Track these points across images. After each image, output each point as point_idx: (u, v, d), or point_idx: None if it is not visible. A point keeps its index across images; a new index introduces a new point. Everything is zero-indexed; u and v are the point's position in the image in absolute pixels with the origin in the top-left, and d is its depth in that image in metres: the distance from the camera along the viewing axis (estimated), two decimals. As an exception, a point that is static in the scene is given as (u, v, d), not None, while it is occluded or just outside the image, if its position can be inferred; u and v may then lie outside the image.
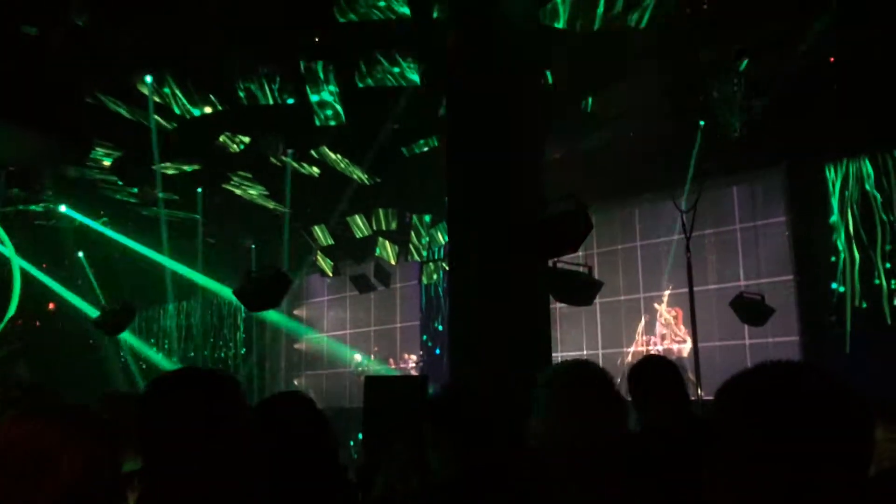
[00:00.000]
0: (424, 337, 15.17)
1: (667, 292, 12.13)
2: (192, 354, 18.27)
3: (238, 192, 13.42)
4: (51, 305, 17.57)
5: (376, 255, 14.72)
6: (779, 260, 10.81)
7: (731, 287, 10.79)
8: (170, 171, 12.21)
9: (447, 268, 12.22)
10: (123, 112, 10.09)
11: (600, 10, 7.97)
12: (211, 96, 9.73)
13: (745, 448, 1.25)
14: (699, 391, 9.10)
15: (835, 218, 10.04)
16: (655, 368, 3.65)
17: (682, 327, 12.07)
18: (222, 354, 18.15)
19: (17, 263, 14.71)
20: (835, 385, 1.28)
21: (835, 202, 10.03)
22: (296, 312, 17.96)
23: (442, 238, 13.71)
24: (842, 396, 1.26)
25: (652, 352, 12.31)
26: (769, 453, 1.22)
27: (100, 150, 11.10)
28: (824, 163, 10.10)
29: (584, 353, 12.93)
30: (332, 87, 9.61)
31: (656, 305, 12.35)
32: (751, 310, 9.51)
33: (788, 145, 9.95)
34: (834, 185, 10.07)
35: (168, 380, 1.85)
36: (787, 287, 10.59)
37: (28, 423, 1.66)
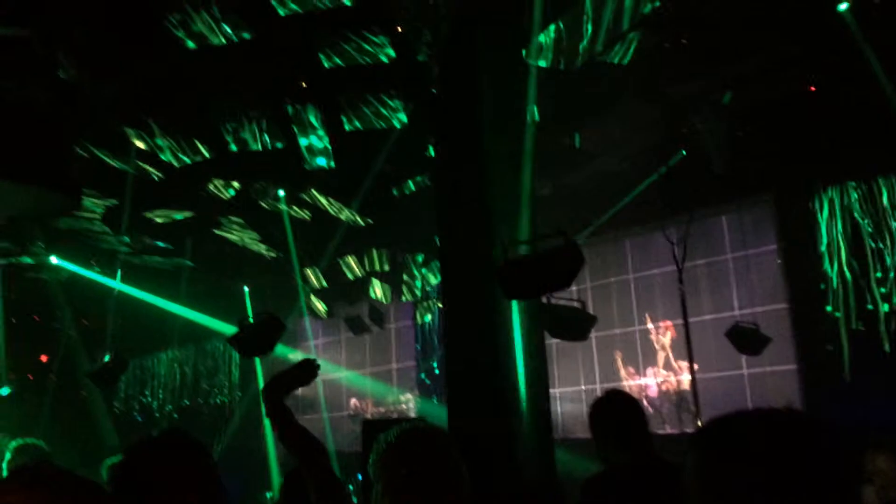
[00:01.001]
0: (422, 375, 15.06)
1: (662, 324, 12.10)
2: (188, 402, 18.11)
3: (230, 237, 13.41)
4: (43, 358, 17.42)
5: (370, 296, 14.69)
6: (772, 289, 10.81)
7: (726, 317, 10.78)
8: (159, 220, 12.21)
9: (440, 306, 12.20)
10: (112, 162, 10.12)
11: (583, 45, 8.07)
12: (198, 144, 9.77)
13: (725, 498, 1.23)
14: (699, 423, 9.04)
15: (824, 246, 10.07)
16: (615, 406, 3.59)
17: (676, 358, 12.02)
18: (217, 400, 17.97)
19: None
20: (822, 439, 1.26)
21: (823, 230, 10.07)
22: (290, 356, 17.84)
23: (434, 277, 13.70)
24: (828, 454, 1.25)
25: (652, 384, 12.25)
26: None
27: (90, 200, 11.11)
28: (812, 191, 10.17)
29: (583, 388, 12.85)
30: (321, 132, 9.67)
31: (651, 337, 12.31)
32: (747, 339, 9.51)
33: (775, 174, 10.03)
34: (822, 213, 10.12)
35: (142, 451, 1.89)
36: (781, 315, 10.57)
37: (33, 494, 1.61)
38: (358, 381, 16.61)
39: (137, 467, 1.93)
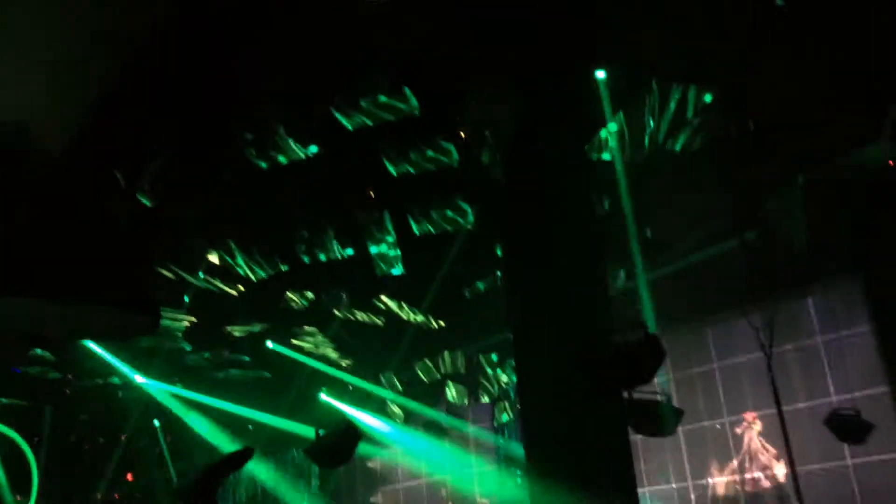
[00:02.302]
0: (506, 483, 14.58)
1: (752, 414, 11.50)
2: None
3: (305, 345, 13.55)
4: (129, 476, 17.61)
5: (446, 398, 14.51)
6: (869, 371, 10.20)
7: (822, 404, 10.19)
8: (237, 333, 12.45)
9: (518, 406, 11.92)
10: (190, 279, 10.43)
11: (647, 136, 8.08)
12: (275, 258, 10.03)
13: None
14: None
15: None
16: None
17: (771, 450, 11.35)
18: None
19: (27, 450, 14.74)
20: None
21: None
22: (369, 464, 17.60)
23: (510, 376, 13.47)
24: None
25: (745, 479, 11.56)
26: None
27: (169, 319, 11.44)
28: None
29: (674, 486, 12.22)
30: (390, 238, 9.82)
31: (743, 430, 11.69)
32: (848, 426, 8.96)
33: (861, 251, 9.62)
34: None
35: None
36: (883, 399, 9.92)
37: None
38: (438, 487, 16.21)
39: None
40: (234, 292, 10.77)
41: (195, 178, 7.77)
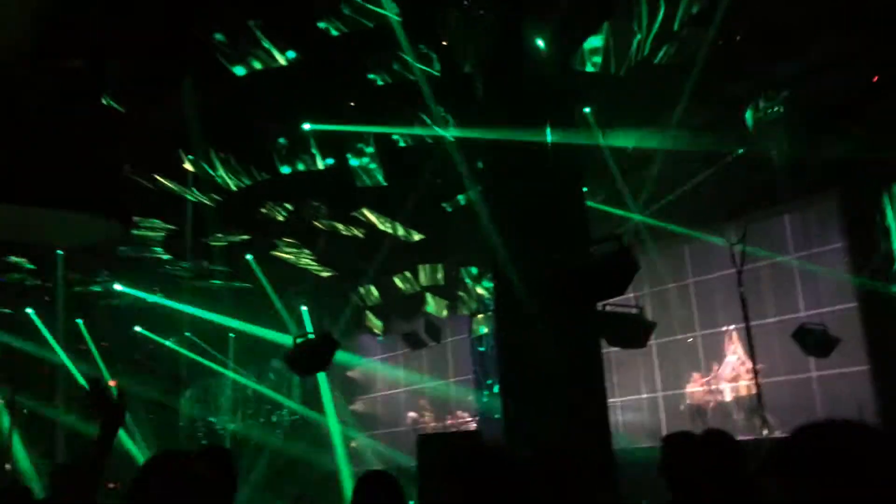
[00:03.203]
0: (483, 394, 14.95)
1: (728, 327, 11.75)
2: (251, 421, 18.35)
3: (286, 257, 13.59)
4: (112, 383, 17.87)
5: (426, 310, 14.69)
6: (839, 288, 10.40)
7: (791, 319, 10.41)
8: (216, 243, 12.44)
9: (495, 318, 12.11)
10: (171, 187, 10.34)
11: (633, 48, 7.96)
12: (252, 167, 9.94)
13: None
14: (765, 431, 8.72)
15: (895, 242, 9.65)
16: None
17: (744, 362, 11.65)
18: (275, 419, 18.17)
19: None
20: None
21: (892, 225, 9.66)
22: (348, 374, 17.94)
23: (488, 290, 13.62)
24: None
25: (714, 391, 11.91)
26: None
27: (148, 227, 11.40)
28: (880, 185, 9.76)
29: (643, 396, 12.58)
30: (370, 150, 9.73)
31: (714, 343, 11.97)
32: (815, 341, 9.18)
33: (839, 169, 9.66)
34: (891, 208, 9.71)
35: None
36: (850, 315, 10.15)
37: None
38: (416, 396, 16.60)
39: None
40: (211, 203, 10.71)
41: (165, 81, 7.61)
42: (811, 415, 10.41)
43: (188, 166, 9.87)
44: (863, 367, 9.97)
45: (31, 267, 12.94)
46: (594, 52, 8.06)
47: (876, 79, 8.39)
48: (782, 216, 11.10)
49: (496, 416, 14.15)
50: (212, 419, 18.94)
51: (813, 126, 9.07)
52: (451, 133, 9.34)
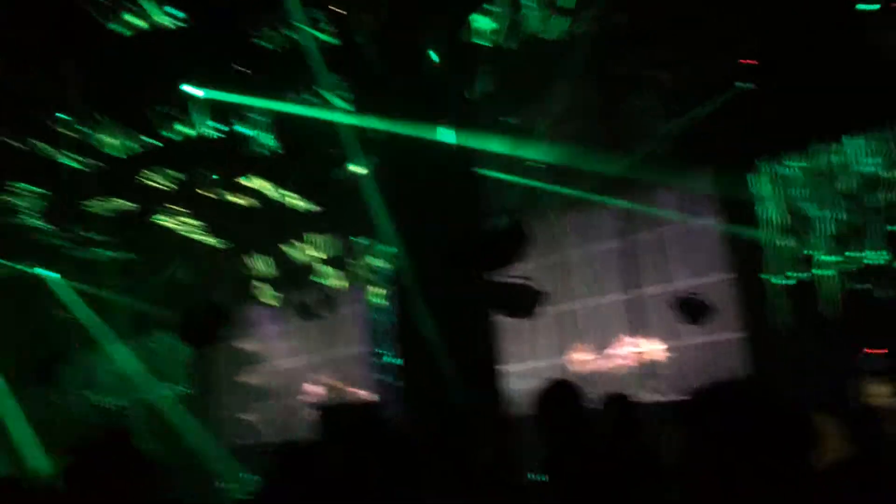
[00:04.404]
0: (378, 361, 15.01)
1: (606, 298, 12.21)
2: (144, 396, 17.80)
3: (173, 226, 13.14)
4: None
5: (318, 281, 14.57)
6: (713, 259, 11.00)
7: (669, 289, 10.95)
8: (97, 211, 11.89)
9: (390, 290, 12.16)
10: (48, 151, 9.80)
11: (522, 24, 8.08)
12: (134, 132, 9.54)
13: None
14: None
15: (765, 215, 10.28)
16: (552, 394, 3.64)
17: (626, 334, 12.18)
18: (166, 393, 17.67)
19: None
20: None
21: (766, 201, 10.27)
22: (242, 345, 17.62)
23: (381, 261, 13.64)
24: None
25: (598, 359, 12.40)
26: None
27: (19, 192, 10.80)
28: (751, 165, 10.34)
29: (532, 365, 12.94)
30: (261, 118, 9.52)
31: (597, 312, 12.43)
32: (693, 310, 9.70)
33: (714, 149, 10.17)
34: (761, 186, 10.32)
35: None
36: (724, 285, 10.77)
37: None
38: (311, 368, 16.50)
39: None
40: (90, 168, 10.21)
41: (36, 42, 7.18)
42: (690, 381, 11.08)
43: (64, 129, 9.36)
44: (737, 334, 10.61)
45: None
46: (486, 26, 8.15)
47: (755, 62, 8.85)
48: (659, 190, 11.57)
49: (389, 385, 14.31)
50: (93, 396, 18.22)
51: (691, 107, 9.50)
52: (342, 105, 9.25)
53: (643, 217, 11.01)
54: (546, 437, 3.60)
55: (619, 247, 8.16)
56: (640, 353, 9.00)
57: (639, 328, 9.23)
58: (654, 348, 11.30)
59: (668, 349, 11.34)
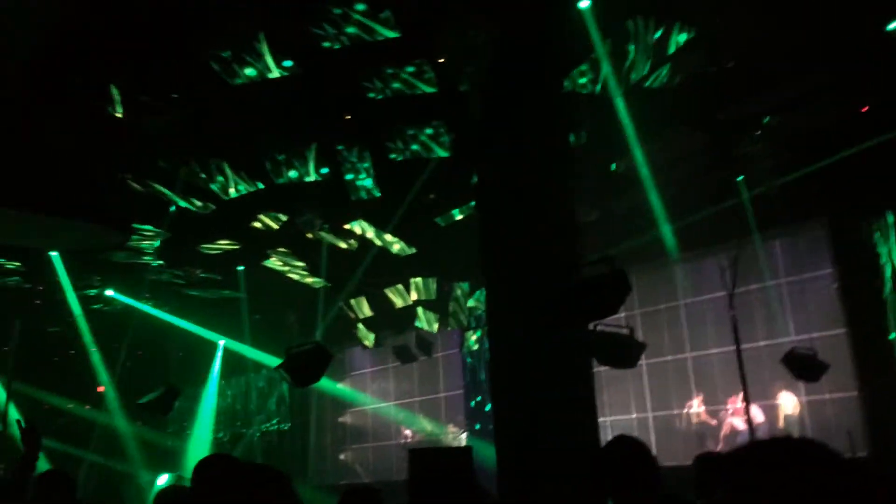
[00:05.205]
0: (472, 404, 14.95)
1: (715, 350, 11.78)
2: (244, 431, 18.31)
3: (278, 268, 13.58)
4: (100, 388, 17.79)
5: (416, 325, 14.69)
6: (829, 313, 10.46)
7: (781, 343, 10.46)
8: (211, 252, 12.43)
9: (487, 335, 12.13)
10: (166, 193, 10.32)
11: (624, 72, 8.04)
12: (246, 176, 9.95)
13: None
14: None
15: (884, 269, 9.73)
16: (622, 451, 3.49)
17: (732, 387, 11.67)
18: (263, 428, 18.10)
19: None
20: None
21: (883, 252, 9.74)
22: (339, 386, 17.90)
23: (480, 306, 13.64)
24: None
25: (701, 412, 11.95)
26: None
27: (142, 234, 11.38)
28: (867, 215, 9.85)
29: (634, 416, 12.59)
30: (366, 164, 9.77)
31: (704, 365, 12.00)
32: (804, 365, 9.22)
33: (830, 198, 9.75)
34: (878, 237, 9.79)
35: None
36: (840, 341, 10.21)
37: None
38: (407, 411, 16.56)
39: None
40: (207, 211, 10.70)
41: (167, 93, 7.62)
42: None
43: (188, 175, 9.86)
44: (852, 392, 10.01)
45: (22, 269, 12.92)
46: (582, 73, 8.15)
47: (865, 109, 8.49)
48: (774, 241, 11.17)
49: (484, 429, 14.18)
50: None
51: (804, 154, 9.17)
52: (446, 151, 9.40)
53: (756, 268, 10.62)
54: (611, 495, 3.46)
55: (728, 298, 7.85)
56: (747, 408, 8.58)
57: (747, 383, 8.80)
58: (764, 403, 10.78)
59: (779, 406, 10.80)
